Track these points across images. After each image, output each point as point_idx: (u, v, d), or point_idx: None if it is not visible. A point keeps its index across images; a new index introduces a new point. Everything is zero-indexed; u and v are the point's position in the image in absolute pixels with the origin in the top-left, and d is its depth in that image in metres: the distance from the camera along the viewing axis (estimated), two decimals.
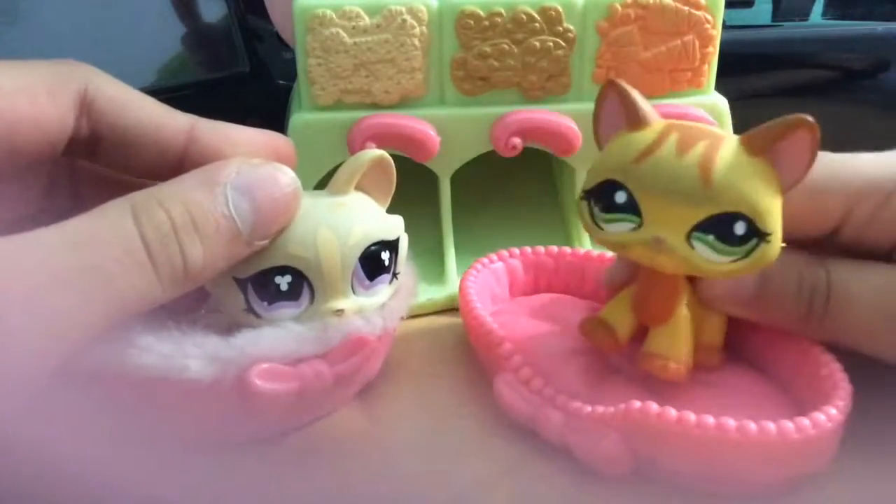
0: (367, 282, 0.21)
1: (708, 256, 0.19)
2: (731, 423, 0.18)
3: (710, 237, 0.18)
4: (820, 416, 0.18)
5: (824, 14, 0.51)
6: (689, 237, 0.19)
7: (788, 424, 0.18)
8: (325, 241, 0.20)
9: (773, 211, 0.18)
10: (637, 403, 0.19)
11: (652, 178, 0.19)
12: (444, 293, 0.29)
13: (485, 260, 0.27)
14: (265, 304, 0.20)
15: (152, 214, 0.17)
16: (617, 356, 0.23)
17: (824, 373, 0.20)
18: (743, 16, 0.48)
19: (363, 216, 0.21)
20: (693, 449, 0.19)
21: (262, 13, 0.37)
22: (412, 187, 0.31)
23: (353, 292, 0.21)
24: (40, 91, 0.18)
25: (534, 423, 0.21)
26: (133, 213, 0.16)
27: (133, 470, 0.19)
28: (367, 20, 0.27)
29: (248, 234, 0.18)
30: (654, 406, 0.19)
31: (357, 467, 0.21)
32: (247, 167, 0.18)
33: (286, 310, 0.20)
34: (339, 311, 0.20)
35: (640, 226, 0.19)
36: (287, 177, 0.19)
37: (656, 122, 0.20)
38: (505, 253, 0.28)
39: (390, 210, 0.23)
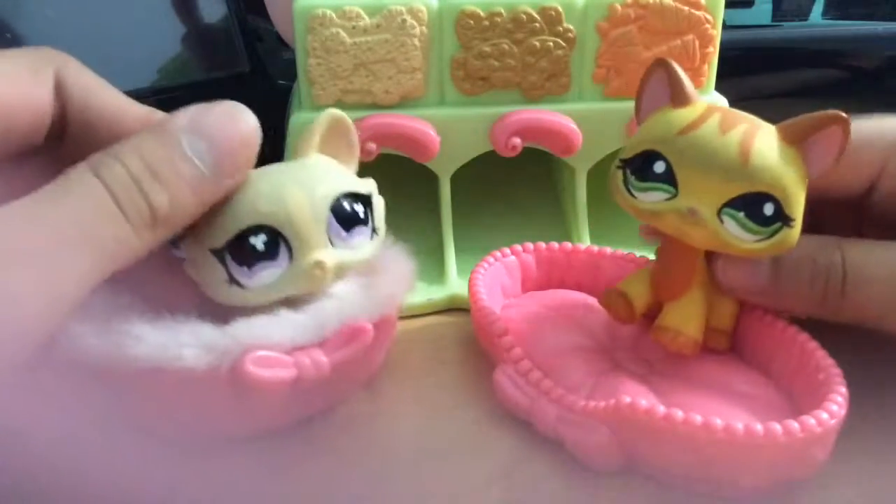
0: (344, 233, 0.21)
1: (735, 233, 0.20)
2: (717, 422, 0.18)
3: (741, 214, 0.20)
4: (810, 421, 0.18)
5: (824, 14, 0.51)
6: (720, 212, 0.20)
7: (776, 426, 0.18)
8: (293, 194, 0.20)
9: (799, 198, 0.20)
10: (627, 398, 0.19)
11: (693, 150, 0.20)
12: (444, 293, 0.29)
13: (497, 254, 0.27)
14: (245, 269, 0.20)
15: (110, 168, 0.17)
16: (621, 353, 0.24)
17: (822, 378, 0.20)
18: (743, 16, 0.48)
19: (328, 172, 0.21)
20: (680, 447, 0.18)
21: (262, 13, 0.37)
22: (412, 187, 0.31)
23: (332, 245, 0.21)
24: (24, 73, 0.19)
25: (530, 415, 0.21)
26: (93, 170, 0.17)
27: (128, 463, 0.19)
28: (367, 20, 0.27)
29: (212, 173, 0.18)
30: (643, 402, 0.19)
31: (356, 465, 0.21)
32: (200, 111, 0.19)
33: (268, 270, 0.20)
34: (321, 262, 0.20)
35: (674, 196, 0.20)
36: (244, 112, 0.19)
37: (699, 102, 0.21)
38: (518, 247, 0.28)
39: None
